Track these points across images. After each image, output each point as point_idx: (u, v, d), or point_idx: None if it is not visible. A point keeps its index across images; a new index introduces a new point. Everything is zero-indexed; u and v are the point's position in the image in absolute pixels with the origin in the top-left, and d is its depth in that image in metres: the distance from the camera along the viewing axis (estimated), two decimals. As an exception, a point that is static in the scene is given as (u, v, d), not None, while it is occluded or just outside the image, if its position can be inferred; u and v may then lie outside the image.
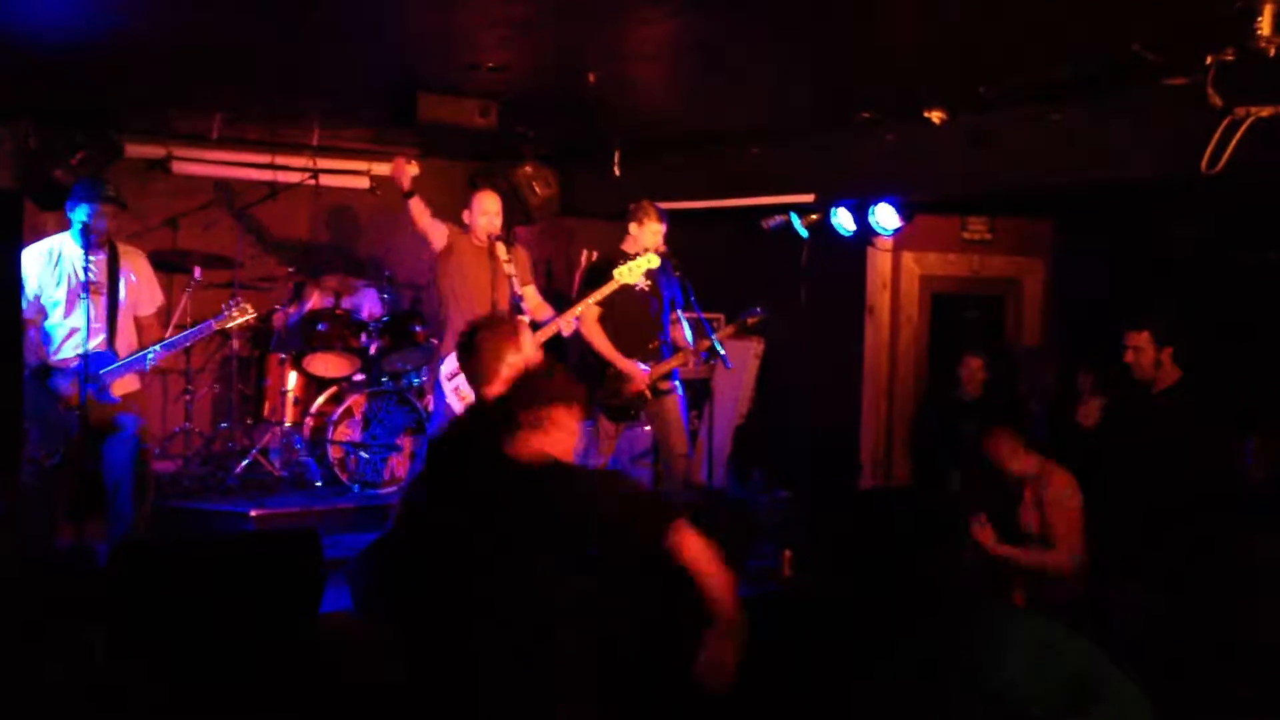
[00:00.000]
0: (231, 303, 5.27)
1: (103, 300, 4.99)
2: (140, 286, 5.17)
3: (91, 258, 4.96)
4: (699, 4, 4.22)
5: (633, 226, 5.72)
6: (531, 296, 5.59)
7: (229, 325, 5.39)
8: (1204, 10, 3.98)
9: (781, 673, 3.75)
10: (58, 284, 4.94)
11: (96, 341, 4.89)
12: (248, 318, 5.31)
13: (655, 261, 5.51)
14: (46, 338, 4.94)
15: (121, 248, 5.14)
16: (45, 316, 4.95)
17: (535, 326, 5.41)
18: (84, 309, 4.88)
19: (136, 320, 5.16)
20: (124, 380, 5.03)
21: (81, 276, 4.94)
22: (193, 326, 5.41)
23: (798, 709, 3.50)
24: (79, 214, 4.93)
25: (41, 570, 4.25)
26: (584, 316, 5.50)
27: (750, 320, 6.51)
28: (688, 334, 5.86)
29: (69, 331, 4.94)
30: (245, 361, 6.85)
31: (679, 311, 5.87)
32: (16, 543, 4.46)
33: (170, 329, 5.75)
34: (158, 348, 5.05)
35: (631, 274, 5.42)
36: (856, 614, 3.80)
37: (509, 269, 5.32)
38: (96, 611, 3.84)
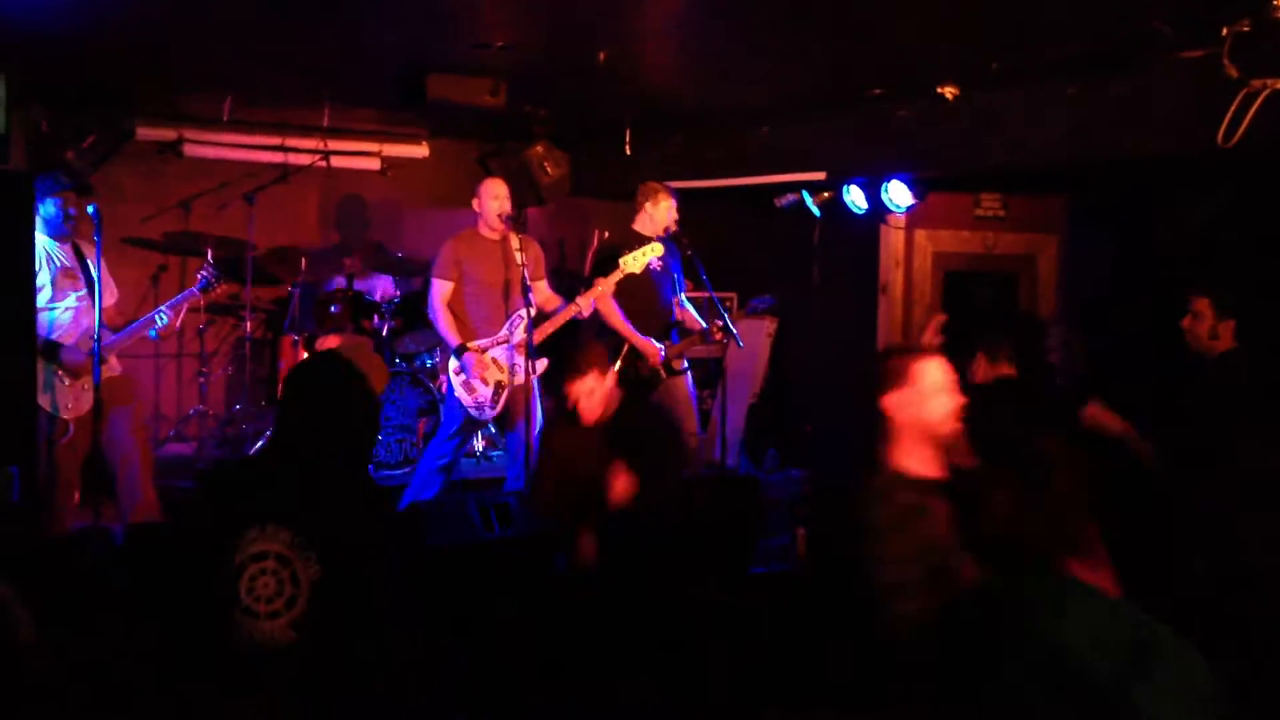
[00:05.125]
0: (207, 269, 5.29)
1: (82, 283, 5.09)
2: (104, 278, 5.23)
3: (60, 246, 5.07)
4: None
5: (648, 206, 5.74)
6: (542, 290, 5.60)
7: (212, 292, 5.41)
8: (1220, -19, 3.94)
9: (796, 649, 3.78)
10: (42, 270, 5.00)
11: (85, 323, 4.99)
12: (219, 285, 5.35)
13: (660, 250, 5.53)
14: (46, 320, 4.99)
15: (80, 241, 5.18)
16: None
17: (544, 317, 5.43)
18: (70, 291, 5.01)
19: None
20: (112, 360, 5.10)
21: (60, 262, 5.05)
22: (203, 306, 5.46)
23: (813, 683, 3.53)
24: (46, 209, 4.98)
25: (58, 552, 4.29)
26: (599, 295, 5.51)
27: (760, 308, 6.58)
28: (695, 315, 5.87)
29: (63, 311, 5.03)
30: (258, 343, 6.88)
31: (682, 294, 5.88)
32: (35, 524, 4.49)
33: (183, 312, 5.76)
34: (165, 308, 5.13)
35: (636, 263, 5.43)
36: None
37: (519, 258, 5.32)
38: (115, 593, 3.87)
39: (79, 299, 5.06)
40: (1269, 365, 4.59)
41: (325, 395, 2.75)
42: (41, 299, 4.98)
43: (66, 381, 4.93)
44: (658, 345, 5.63)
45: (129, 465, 5.13)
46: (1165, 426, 4.81)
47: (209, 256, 6.36)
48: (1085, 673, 1.16)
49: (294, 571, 2.56)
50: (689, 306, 5.92)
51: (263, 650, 2.52)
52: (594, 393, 4.47)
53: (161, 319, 5.12)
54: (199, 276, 5.28)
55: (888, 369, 3.01)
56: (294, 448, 2.74)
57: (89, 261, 5.12)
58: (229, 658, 2.54)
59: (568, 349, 4.76)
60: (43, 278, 4.99)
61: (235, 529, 2.57)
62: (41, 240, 5.02)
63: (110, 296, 5.27)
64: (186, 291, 5.29)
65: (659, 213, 5.73)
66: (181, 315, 5.37)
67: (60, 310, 5.02)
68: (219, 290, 5.38)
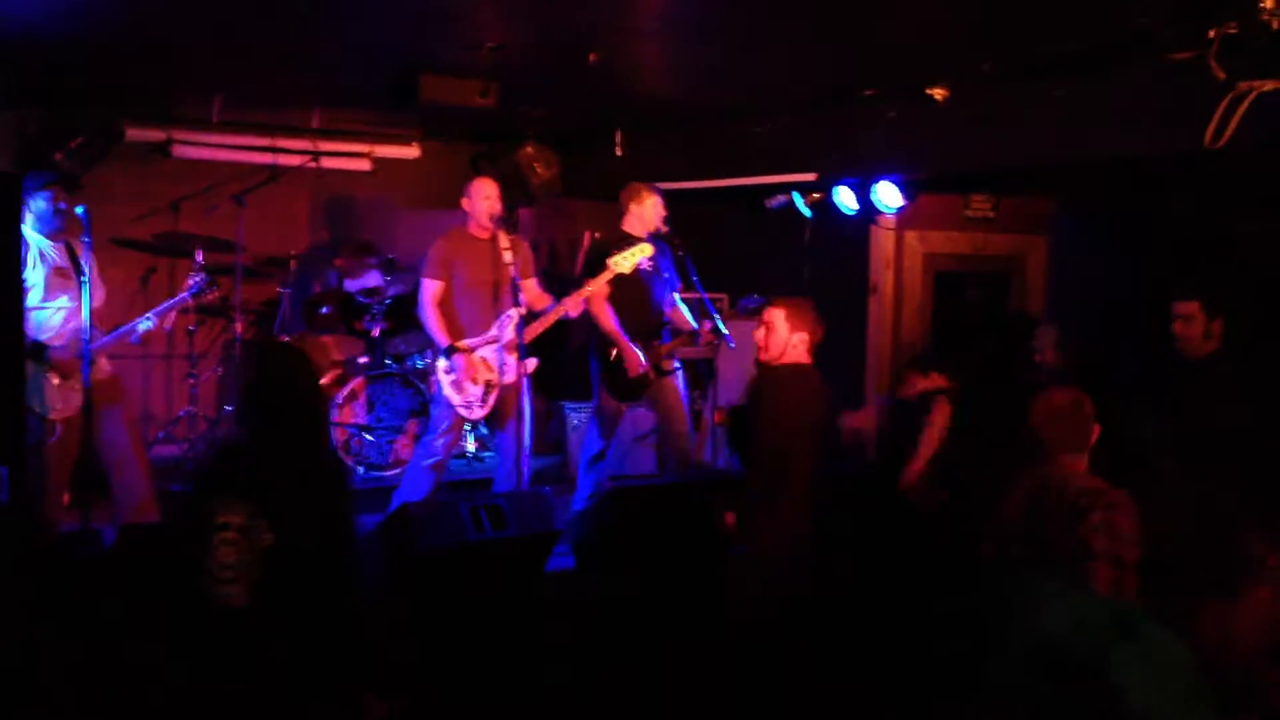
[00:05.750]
0: (199, 278, 5.29)
1: (74, 283, 5.05)
2: (94, 278, 5.21)
3: (53, 245, 5.04)
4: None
5: (633, 206, 5.75)
6: (531, 289, 5.59)
7: (203, 298, 5.42)
8: (1207, -17, 3.96)
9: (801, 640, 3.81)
10: (34, 268, 4.98)
11: (77, 322, 4.97)
12: (212, 292, 5.36)
13: (649, 250, 5.54)
14: (36, 320, 4.97)
15: (72, 241, 5.17)
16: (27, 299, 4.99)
17: (533, 316, 5.43)
18: (62, 292, 4.97)
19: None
20: (102, 361, 5.09)
21: (53, 261, 5.03)
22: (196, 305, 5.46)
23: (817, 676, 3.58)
24: (37, 204, 4.96)
25: (47, 554, 4.27)
26: (593, 296, 5.52)
27: (750, 307, 6.60)
28: (687, 315, 5.88)
29: (55, 311, 5.01)
30: (249, 345, 6.86)
31: (676, 294, 5.89)
32: (23, 526, 4.47)
33: (173, 314, 5.76)
34: (151, 314, 5.13)
35: (625, 263, 5.44)
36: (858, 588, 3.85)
37: (508, 257, 5.33)
38: (104, 594, 3.86)
39: (71, 299, 5.04)
40: (1260, 361, 4.62)
41: (269, 378, 3.12)
42: (33, 298, 4.96)
43: (55, 382, 4.92)
44: (643, 360, 5.63)
45: (126, 465, 5.11)
46: (1161, 426, 4.82)
47: (198, 257, 6.36)
48: (1070, 656, 1.18)
49: (251, 541, 2.85)
50: (681, 307, 5.92)
51: (222, 613, 2.82)
52: (769, 330, 4.48)
53: (146, 324, 5.11)
54: (190, 282, 5.26)
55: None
56: (251, 428, 3.12)
57: (82, 260, 5.10)
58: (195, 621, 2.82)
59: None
60: (35, 277, 4.97)
61: (206, 506, 2.90)
62: (34, 238, 5.01)
63: (98, 298, 5.26)
64: (178, 296, 5.27)
65: (645, 211, 5.73)
66: (171, 318, 5.35)
67: (52, 310, 5.00)
68: (211, 296, 5.36)
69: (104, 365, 5.12)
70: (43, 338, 4.94)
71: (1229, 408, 4.53)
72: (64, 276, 5.03)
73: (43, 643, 3.44)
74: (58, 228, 5.03)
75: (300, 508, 2.89)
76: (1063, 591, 1.34)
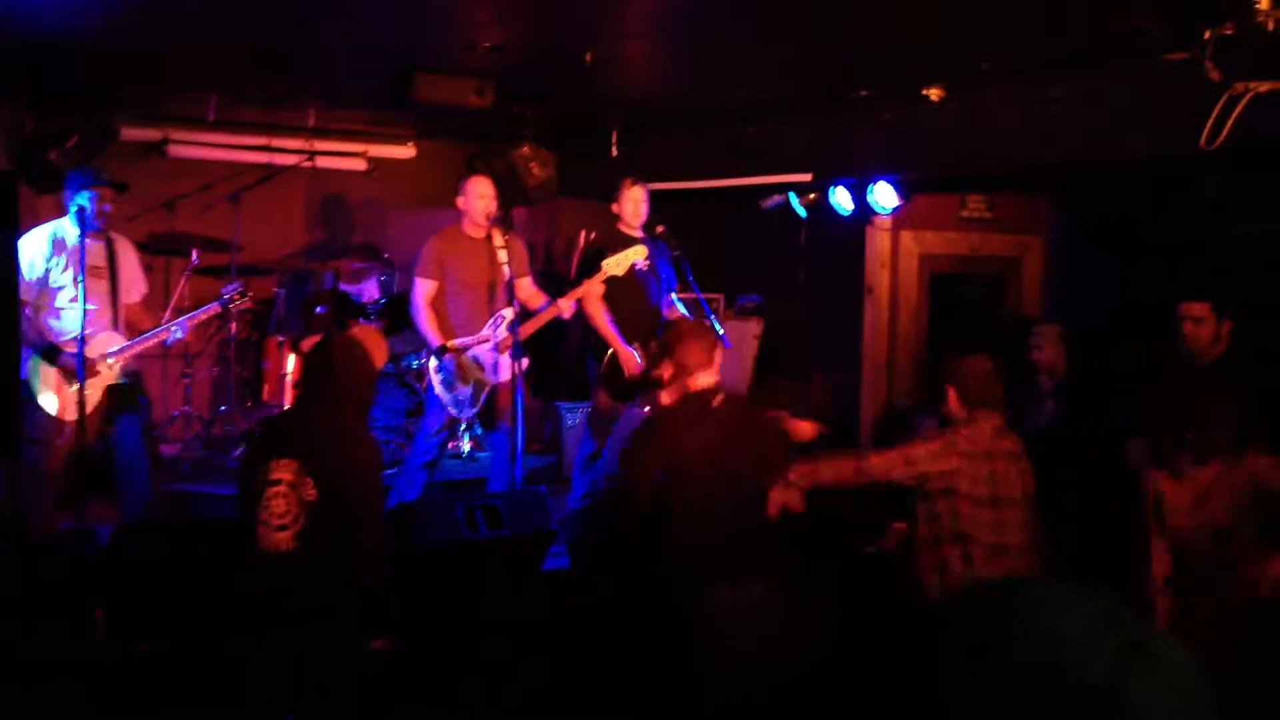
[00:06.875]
0: (231, 288, 5.28)
1: (105, 284, 5.02)
2: (132, 273, 5.23)
3: (90, 242, 4.98)
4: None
5: (614, 207, 5.77)
6: (525, 287, 5.58)
7: (232, 307, 5.42)
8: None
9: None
10: (64, 268, 4.96)
11: (103, 323, 4.94)
12: (244, 301, 5.35)
13: (643, 252, 5.53)
14: (58, 321, 4.95)
15: (114, 235, 5.17)
16: (52, 299, 4.96)
17: (529, 314, 5.42)
18: (94, 291, 4.93)
19: (126, 307, 5.19)
20: (123, 360, 5.06)
21: (86, 261, 4.97)
22: (197, 308, 5.45)
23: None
24: (80, 200, 4.94)
25: (44, 551, 4.26)
26: (588, 296, 5.51)
27: (748, 306, 6.59)
28: (685, 315, 5.87)
29: (78, 313, 4.96)
30: (244, 344, 6.85)
31: (673, 294, 5.89)
32: (19, 523, 4.47)
33: (169, 312, 5.77)
34: (182, 320, 5.13)
35: (619, 266, 5.44)
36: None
37: (502, 256, 5.31)
38: (98, 592, 3.86)
39: (100, 299, 4.99)
40: (1264, 363, 4.60)
41: (334, 364, 3.51)
42: (60, 299, 4.94)
43: (70, 383, 4.89)
44: (638, 358, 5.63)
45: (135, 468, 5.10)
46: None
47: (194, 257, 6.34)
48: (1077, 664, 1.16)
49: (300, 495, 3.31)
50: (680, 306, 5.91)
51: (271, 554, 3.30)
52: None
53: (176, 333, 5.10)
54: (223, 292, 5.24)
55: None
56: (310, 402, 3.56)
57: (119, 259, 5.08)
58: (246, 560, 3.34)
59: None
60: (64, 277, 4.94)
61: (262, 462, 3.36)
62: (72, 235, 4.98)
63: (137, 293, 5.25)
64: (207, 306, 5.26)
65: (627, 206, 5.74)
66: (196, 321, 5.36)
67: (73, 309, 4.92)
68: (243, 305, 5.35)
69: (124, 368, 5.08)
70: (64, 338, 4.91)
71: (1248, 413, 4.47)
72: (97, 277, 4.99)
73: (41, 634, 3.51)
74: (97, 228, 5.00)
75: (339, 469, 3.33)
76: (1057, 592, 1.32)
